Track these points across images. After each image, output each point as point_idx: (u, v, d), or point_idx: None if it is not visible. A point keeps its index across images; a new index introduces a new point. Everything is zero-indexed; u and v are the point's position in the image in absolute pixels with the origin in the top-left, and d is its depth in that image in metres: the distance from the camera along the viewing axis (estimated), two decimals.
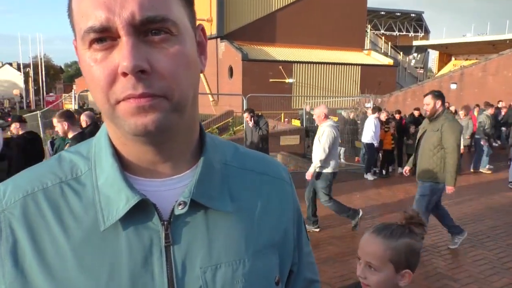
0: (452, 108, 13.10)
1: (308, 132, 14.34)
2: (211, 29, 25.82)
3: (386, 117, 10.03)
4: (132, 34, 0.55)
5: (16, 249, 0.61)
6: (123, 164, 0.65)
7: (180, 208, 0.63)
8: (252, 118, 8.17)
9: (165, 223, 0.63)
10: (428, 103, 4.59)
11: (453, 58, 38.92)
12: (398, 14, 45.31)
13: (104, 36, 0.55)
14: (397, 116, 10.92)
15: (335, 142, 5.43)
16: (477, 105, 13.04)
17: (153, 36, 0.56)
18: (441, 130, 4.49)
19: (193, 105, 0.64)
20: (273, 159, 0.84)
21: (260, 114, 9.08)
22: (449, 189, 4.57)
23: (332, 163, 5.46)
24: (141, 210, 0.62)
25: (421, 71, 38.70)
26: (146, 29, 0.55)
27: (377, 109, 9.87)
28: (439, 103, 4.56)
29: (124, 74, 0.54)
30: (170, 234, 0.63)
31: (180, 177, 0.66)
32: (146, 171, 0.65)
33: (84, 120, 5.81)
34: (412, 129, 10.03)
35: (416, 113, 11.66)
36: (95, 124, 5.71)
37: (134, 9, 0.54)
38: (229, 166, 0.72)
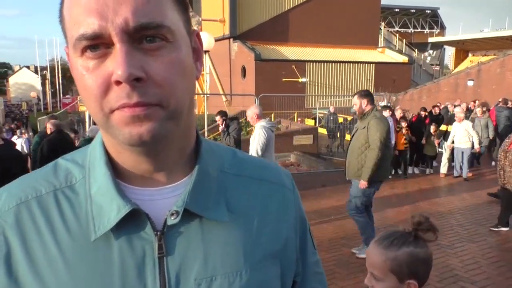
0: (463, 106, 12.70)
1: (333, 134, 14.18)
2: (224, 29, 25.88)
3: (401, 115, 9.79)
4: (126, 41, 0.53)
5: (10, 257, 0.60)
6: (117, 172, 0.64)
7: (172, 218, 0.61)
8: (224, 122, 7.71)
9: (158, 233, 0.61)
10: (355, 103, 4.65)
11: (470, 55, 38.19)
12: (413, 11, 44.70)
13: (97, 44, 0.53)
14: (422, 113, 10.49)
15: (268, 143, 5.09)
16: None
17: (148, 44, 0.54)
18: (367, 127, 4.51)
19: (189, 112, 0.63)
20: (274, 164, 0.81)
21: (235, 117, 8.72)
22: (361, 183, 4.53)
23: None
24: (134, 220, 0.61)
25: (437, 68, 38.12)
26: (141, 36, 0.54)
27: (386, 107, 9.48)
28: (365, 102, 4.59)
29: (118, 83, 0.53)
30: (163, 245, 0.61)
31: (175, 186, 0.65)
32: (141, 179, 0.64)
33: (49, 127, 6.12)
34: (433, 128, 9.71)
35: (435, 111, 11.21)
36: (58, 132, 5.93)
37: (127, 16, 0.52)
38: (227, 174, 0.70)
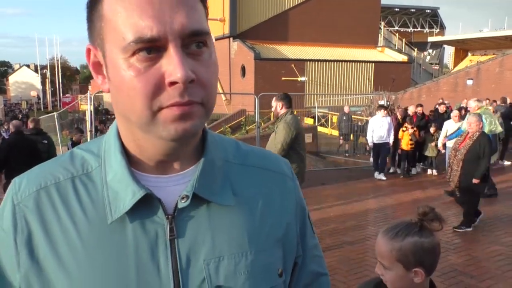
0: (464, 102, 12.33)
1: (346, 136, 13.56)
2: (223, 28, 25.90)
3: (401, 116, 9.59)
4: (180, 46, 0.58)
5: (31, 240, 0.64)
6: (131, 161, 0.68)
7: (183, 201, 0.66)
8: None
9: (170, 217, 0.65)
10: (272, 105, 4.70)
11: (469, 54, 38.22)
12: (412, 10, 44.70)
13: (151, 46, 0.57)
14: (419, 110, 9.91)
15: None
16: (494, 101, 12.76)
17: (195, 49, 0.60)
18: (276, 131, 4.58)
19: None
20: (275, 154, 0.85)
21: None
22: None
23: None
24: (147, 205, 0.65)
25: (437, 67, 38.15)
26: (190, 41, 0.59)
27: (381, 107, 9.23)
28: (280, 105, 4.63)
29: (173, 84, 0.57)
30: (174, 228, 0.65)
31: (184, 173, 0.69)
32: (153, 168, 0.68)
33: (11, 128, 6.31)
34: (433, 129, 9.13)
35: (441, 109, 10.64)
36: (17, 133, 6.04)
37: (183, 22, 0.57)
38: (231, 163, 0.74)
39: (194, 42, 0.59)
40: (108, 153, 0.69)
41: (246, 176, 0.74)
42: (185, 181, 0.68)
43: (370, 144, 9.26)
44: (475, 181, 5.37)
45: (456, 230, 5.49)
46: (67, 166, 0.69)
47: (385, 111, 8.83)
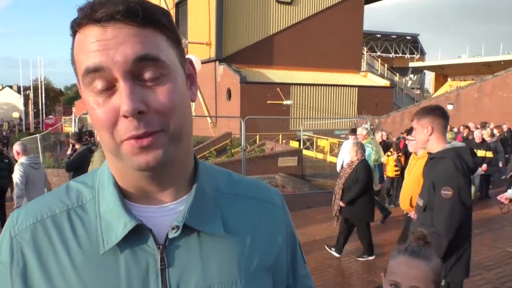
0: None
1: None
2: (210, 52, 26.18)
3: (384, 139, 9.25)
4: (128, 79, 0.60)
5: (26, 272, 0.67)
6: (123, 193, 0.70)
7: (173, 232, 0.68)
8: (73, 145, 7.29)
9: (161, 246, 0.67)
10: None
11: (449, 79, 39.36)
12: (394, 36, 46.07)
13: (101, 77, 0.61)
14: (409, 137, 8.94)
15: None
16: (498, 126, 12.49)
17: (151, 76, 0.62)
18: None
19: (188, 135, 0.70)
20: (266, 184, 0.87)
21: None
22: None
23: None
24: (138, 235, 0.67)
25: (418, 91, 39.09)
26: (140, 71, 0.61)
27: (353, 132, 8.16)
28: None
29: (126, 116, 0.61)
30: (165, 257, 0.67)
31: (175, 204, 0.71)
32: (144, 198, 0.70)
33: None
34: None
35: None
36: None
37: (127, 52, 0.60)
38: (222, 193, 0.76)
39: (146, 69, 0.61)
40: (102, 184, 0.71)
41: (237, 206, 0.76)
42: (176, 211, 0.70)
43: (338, 169, 7.92)
44: (341, 204, 5.38)
45: (359, 259, 5.42)
46: (63, 198, 0.72)
47: (354, 136, 7.89)
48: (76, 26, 0.63)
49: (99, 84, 0.61)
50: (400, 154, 8.61)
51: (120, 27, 0.61)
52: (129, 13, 0.61)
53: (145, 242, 0.67)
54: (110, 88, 0.61)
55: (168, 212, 0.70)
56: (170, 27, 0.65)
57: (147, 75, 0.61)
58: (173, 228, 0.68)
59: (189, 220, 0.68)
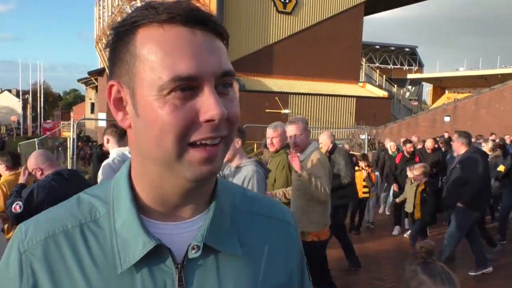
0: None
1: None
2: None
3: (393, 150, 8.12)
4: (213, 86, 0.61)
5: None
6: (140, 207, 0.68)
7: (193, 252, 0.66)
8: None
9: (179, 266, 0.65)
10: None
11: (446, 91, 39.60)
12: (392, 48, 46.41)
13: (188, 85, 0.60)
14: (408, 147, 7.47)
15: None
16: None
17: (222, 89, 0.63)
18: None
19: None
20: (278, 202, 0.88)
21: None
22: None
23: None
24: (156, 253, 0.65)
25: (416, 103, 39.28)
26: (220, 82, 0.63)
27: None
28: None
29: (209, 121, 0.60)
30: (183, 277, 0.65)
31: (192, 221, 0.69)
32: (162, 214, 0.68)
33: None
34: (409, 172, 6.44)
35: (429, 146, 8.17)
36: None
37: (218, 63, 0.62)
38: (238, 210, 0.75)
39: (224, 82, 0.63)
40: (117, 199, 0.68)
41: (252, 224, 0.75)
42: (193, 228, 0.68)
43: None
44: None
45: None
46: (74, 212, 0.68)
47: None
48: (154, 22, 0.61)
49: (182, 90, 0.60)
50: (371, 168, 7.28)
51: (207, 34, 0.62)
52: (216, 23, 0.63)
53: (163, 262, 0.65)
54: (191, 94, 0.60)
55: (186, 229, 0.69)
56: (228, 44, 0.68)
57: (223, 86, 0.63)
58: (193, 248, 0.66)
59: (208, 239, 0.67)
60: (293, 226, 0.82)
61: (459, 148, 5.10)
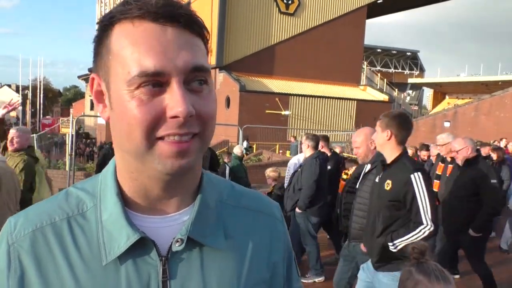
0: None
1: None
2: (210, 59, 26.02)
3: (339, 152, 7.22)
4: (182, 82, 0.61)
5: (23, 281, 0.65)
6: (126, 201, 0.69)
7: (177, 245, 0.67)
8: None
9: (163, 258, 0.67)
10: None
11: (447, 97, 39.65)
12: (394, 52, 46.47)
13: (155, 81, 0.60)
14: (423, 155, 6.99)
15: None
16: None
17: (196, 86, 0.63)
18: None
19: (208, 144, 0.71)
20: (266, 197, 0.88)
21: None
22: None
23: None
24: (141, 246, 0.66)
25: (416, 108, 39.35)
26: (192, 78, 0.62)
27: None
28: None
29: (174, 117, 0.60)
30: (167, 269, 0.67)
31: (178, 214, 0.71)
32: (148, 208, 0.70)
33: None
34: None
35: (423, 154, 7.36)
36: None
37: (187, 59, 0.61)
38: (225, 204, 0.76)
39: (196, 78, 0.63)
40: (104, 192, 0.70)
41: (239, 218, 0.76)
42: (179, 222, 0.70)
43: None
44: None
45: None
46: (62, 205, 0.70)
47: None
48: (127, 18, 0.61)
49: (150, 85, 0.60)
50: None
51: (179, 31, 0.62)
52: (190, 20, 0.63)
53: (147, 254, 0.67)
54: (159, 90, 0.61)
55: (171, 223, 0.70)
56: (207, 41, 0.68)
57: (196, 83, 0.63)
58: (177, 241, 0.67)
59: (192, 233, 0.68)
60: (279, 220, 0.83)
61: (305, 151, 5.09)
